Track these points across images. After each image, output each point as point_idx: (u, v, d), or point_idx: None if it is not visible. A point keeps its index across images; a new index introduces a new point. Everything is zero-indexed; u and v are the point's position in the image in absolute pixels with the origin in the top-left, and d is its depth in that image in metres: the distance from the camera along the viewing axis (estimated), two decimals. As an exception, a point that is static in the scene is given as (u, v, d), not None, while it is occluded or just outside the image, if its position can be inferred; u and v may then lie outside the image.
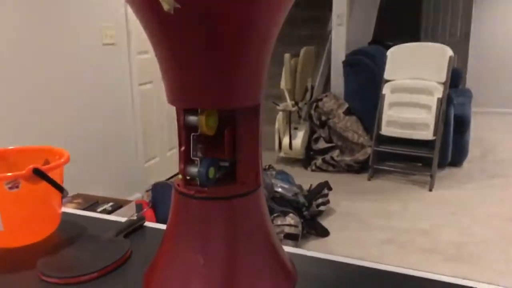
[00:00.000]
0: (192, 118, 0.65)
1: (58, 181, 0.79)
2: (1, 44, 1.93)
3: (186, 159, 0.66)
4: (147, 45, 2.86)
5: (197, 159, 0.66)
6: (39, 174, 0.75)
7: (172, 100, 0.63)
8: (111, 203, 2.05)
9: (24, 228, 0.78)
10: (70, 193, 2.26)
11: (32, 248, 0.78)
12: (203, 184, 0.65)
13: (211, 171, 0.66)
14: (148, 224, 0.90)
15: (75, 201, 2.06)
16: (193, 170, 0.66)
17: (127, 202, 2.17)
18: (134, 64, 2.78)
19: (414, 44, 3.57)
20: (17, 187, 0.74)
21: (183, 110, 0.65)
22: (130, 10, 2.70)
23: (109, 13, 2.53)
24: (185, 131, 0.66)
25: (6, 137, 1.88)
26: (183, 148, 0.66)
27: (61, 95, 2.24)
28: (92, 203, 2.03)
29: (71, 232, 0.84)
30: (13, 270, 0.72)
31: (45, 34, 2.11)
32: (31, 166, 0.74)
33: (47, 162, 0.87)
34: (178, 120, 0.67)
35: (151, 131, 3.07)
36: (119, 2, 2.61)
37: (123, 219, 0.91)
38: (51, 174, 0.77)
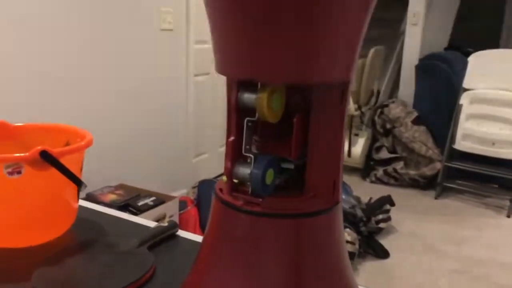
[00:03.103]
0: (249, 97, 0.45)
1: (74, 169, 0.62)
2: (56, 27, 1.86)
3: (234, 154, 0.46)
4: (206, 35, 2.72)
5: (251, 155, 0.45)
6: (47, 158, 0.58)
7: (223, 66, 0.43)
8: (153, 198, 1.91)
9: (25, 226, 0.61)
10: (114, 183, 2.15)
11: (34, 251, 0.62)
12: (256, 193, 0.45)
13: (269, 175, 0.46)
14: (181, 233, 0.71)
15: (117, 191, 1.94)
16: (244, 171, 0.45)
17: (170, 197, 2.03)
18: (191, 53, 2.64)
19: (501, 51, 3.18)
20: (18, 172, 0.58)
21: (237, 84, 0.44)
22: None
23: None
24: (237, 114, 0.46)
25: (51, 120, 1.79)
26: (231, 139, 0.46)
27: (112, 79, 2.15)
28: (133, 195, 1.90)
29: (84, 235, 0.67)
30: (5, 279, 0.55)
31: (100, 16, 2.02)
32: (38, 148, 0.57)
33: (67, 145, 0.70)
34: (228, 98, 0.47)
35: (203, 125, 2.92)
36: (180, -15, 2.49)
37: (152, 224, 0.72)
38: (65, 160, 0.59)
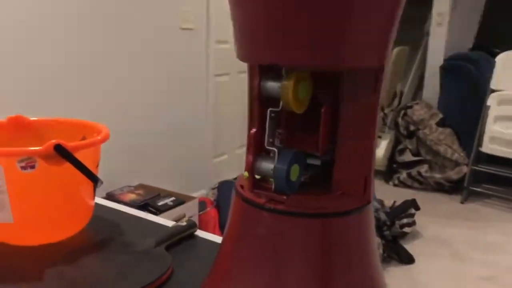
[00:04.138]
0: (272, 85, 0.41)
1: (90, 164, 0.60)
2: (77, 26, 1.86)
3: (256, 147, 0.42)
4: (227, 34, 2.70)
5: (274, 149, 0.42)
6: (62, 152, 0.56)
7: (244, 51, 0.40)
8: (173, 198, 1.89)
9: (39, 223, 0.59)
10: (134, 183, 2.15)
11: (49, 250, 0.59)
12: (280, 190, 0.42)
13: (294, 171, 0.42)
14: (200, 233, 0.68)
15: (137, 191, 1.93)
16: (267, 166, 0.42)
17: (190, 198, 2.01)
18: (212, 53, 2.62)
19: (531, 50, 3.06)
20: (32, 167, 0.55)
21: (260, 70, 0.41)
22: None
23: (189, -5, 2.40)
24: (260, 105, 0.42)
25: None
26: (253, 131, 0.42)
27: (132, 79, 2.14)
28: (153, 195, 1.89)
29: (100, 234, 0.65)
30: (18, 278, 0.53)
31: (120, 14, 2.02)
32: (53, 141, 0.55)
33: (84, 140, 0.68)
34: (250, 87, 0.44)
35: (223, 125, 2.90)
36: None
37: (170, 223, 0.69)
38: (80, 155, 0.57)
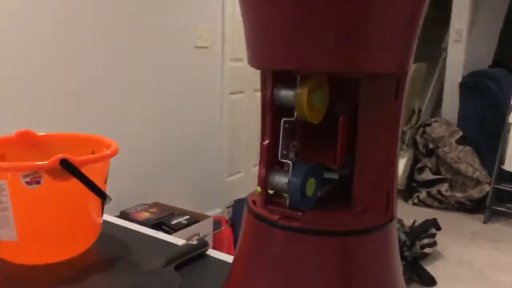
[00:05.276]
0: (286, 94, 0.39)
1: (98, 180, 0.58)
2: (93, 42, 1.88)
3: (269, 160, 0.39)
4: (242, 52, 2.71)
5: (289, 162, 0.39)
6: (68, 167, 0.54)
7: (257, 57, 0.38)
8: (187, 216, 1.87)
9: (44, 241, 0.57)
10: (148, 201, 2.13)
11: (54, 269, 0.57)
12: (294, 205, 0.39)
13: (310, 185, 0.39)
14: (212, 253, 0.64)
15: (151, 210, 1.91)
16: (280, 179, 0.39)
17: (204, 217, 1.98)
18: (226, 71, 2.62)
19: (554, 66, 2.98)
20: (37, 182, 0.54)
21: (273, 78, 0.39)
22: (227, 11, 2.56)
23: (205, 13, 2.42)
24: (273, 114, 0.40)
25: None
26: (266, 142, 0.40)
27: (147, 96, 2.15)
28: (167, 214, 1.86)
29: (108, 253, 0.62)
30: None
31: (136, 32, 2.04)
32: (59, 156, 0.53)
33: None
34: (263, 96, 0.41)
35: (237, 143, 2.88)
36: (216, 2, 2.49)
37: (180, 241, 0.67)
38: (88, 170, 0.55)
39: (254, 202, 0.42)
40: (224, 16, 2.55)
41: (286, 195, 0.39)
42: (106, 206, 0.63)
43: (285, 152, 0.40)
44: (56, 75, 1.78)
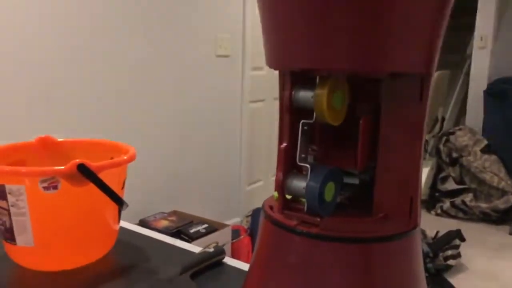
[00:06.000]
0: (305, 95, 0.37)
1: (115, 185, 0.57)
2: (116, 50, 1.91)
3: (287, 164, 0.38)
4: (262, 60, 2.71)
5: (307, 166, 0.38)
6: (85, 172, 0.54)
7: (275, 57, 0.37)
8: (205, 225, 1.86)
9: (61, 247, 0.56)
10: (168, 209, 2.13)
11: (69, 276, 0.57)
12: (313, 211, 0.37)
13: (329, 189, 0.38)
14: (229, 261, 0.63)
15: (170, 218, 1.91)
16: (298, 184, 0.38)
17: (223, 225, 1.97)
18: (247, 79, 2.63)
19: None
20: (55, 187, 0.53)
21: (291, 79, 0.37)
22: (248, 20, 2.57)
23: (226, 22, 2.44)
24: (291, 116, 0.38)
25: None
26: (284, 145, 0.38)
27: (167, 105, 2.16)
28: (186, 222, 1.86)
29: (124, 260, 0.61)
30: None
31: (157, 41, 2.06)
32: (76, 161, 0.53)
33: (111, 161, 0.66)
34: (281, 97, 0.40)
35: (257, 152, 2.87)
36: (237, 11, 2.51)
37: (197, 249, 0.66)
38: (104, 175, 0.55)
39: (271, 208, 0.40)
40: (245, 25, 2.57)
41: (304, 200, 0.38)
42: (125, 215, 0.63)
43: (303, 155, 0.39)
44: (79, 83, 1.81)
